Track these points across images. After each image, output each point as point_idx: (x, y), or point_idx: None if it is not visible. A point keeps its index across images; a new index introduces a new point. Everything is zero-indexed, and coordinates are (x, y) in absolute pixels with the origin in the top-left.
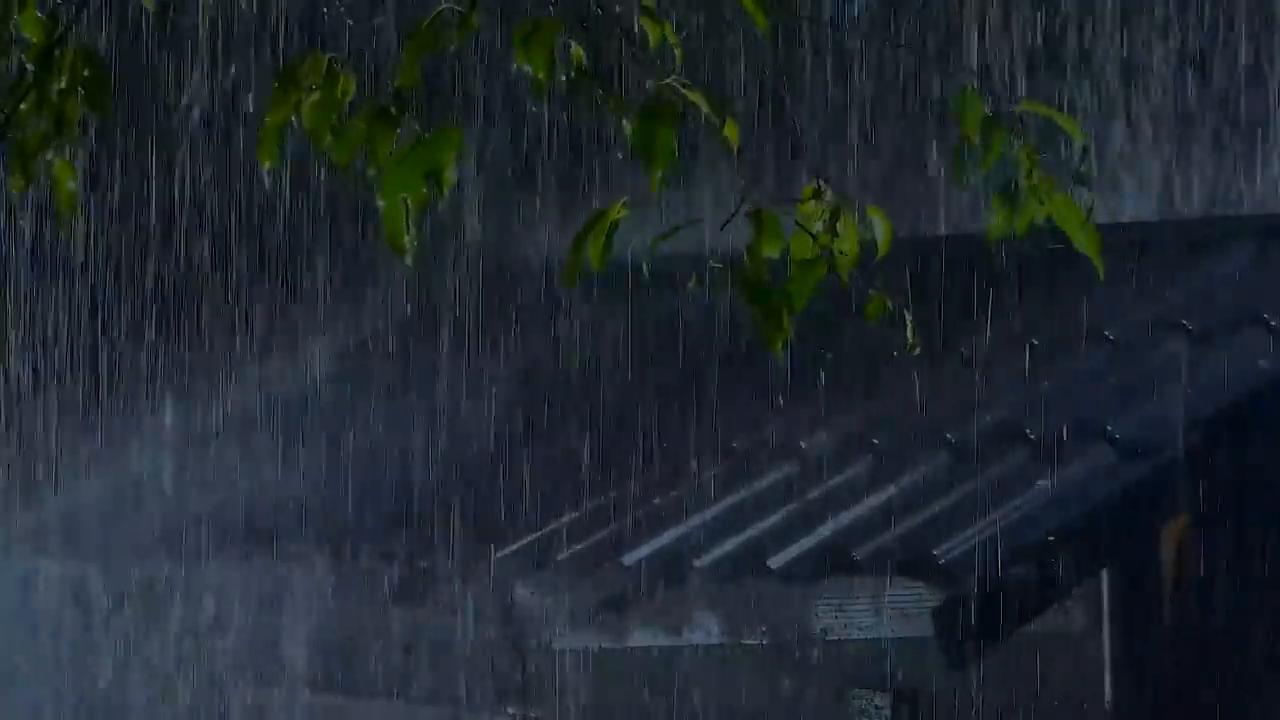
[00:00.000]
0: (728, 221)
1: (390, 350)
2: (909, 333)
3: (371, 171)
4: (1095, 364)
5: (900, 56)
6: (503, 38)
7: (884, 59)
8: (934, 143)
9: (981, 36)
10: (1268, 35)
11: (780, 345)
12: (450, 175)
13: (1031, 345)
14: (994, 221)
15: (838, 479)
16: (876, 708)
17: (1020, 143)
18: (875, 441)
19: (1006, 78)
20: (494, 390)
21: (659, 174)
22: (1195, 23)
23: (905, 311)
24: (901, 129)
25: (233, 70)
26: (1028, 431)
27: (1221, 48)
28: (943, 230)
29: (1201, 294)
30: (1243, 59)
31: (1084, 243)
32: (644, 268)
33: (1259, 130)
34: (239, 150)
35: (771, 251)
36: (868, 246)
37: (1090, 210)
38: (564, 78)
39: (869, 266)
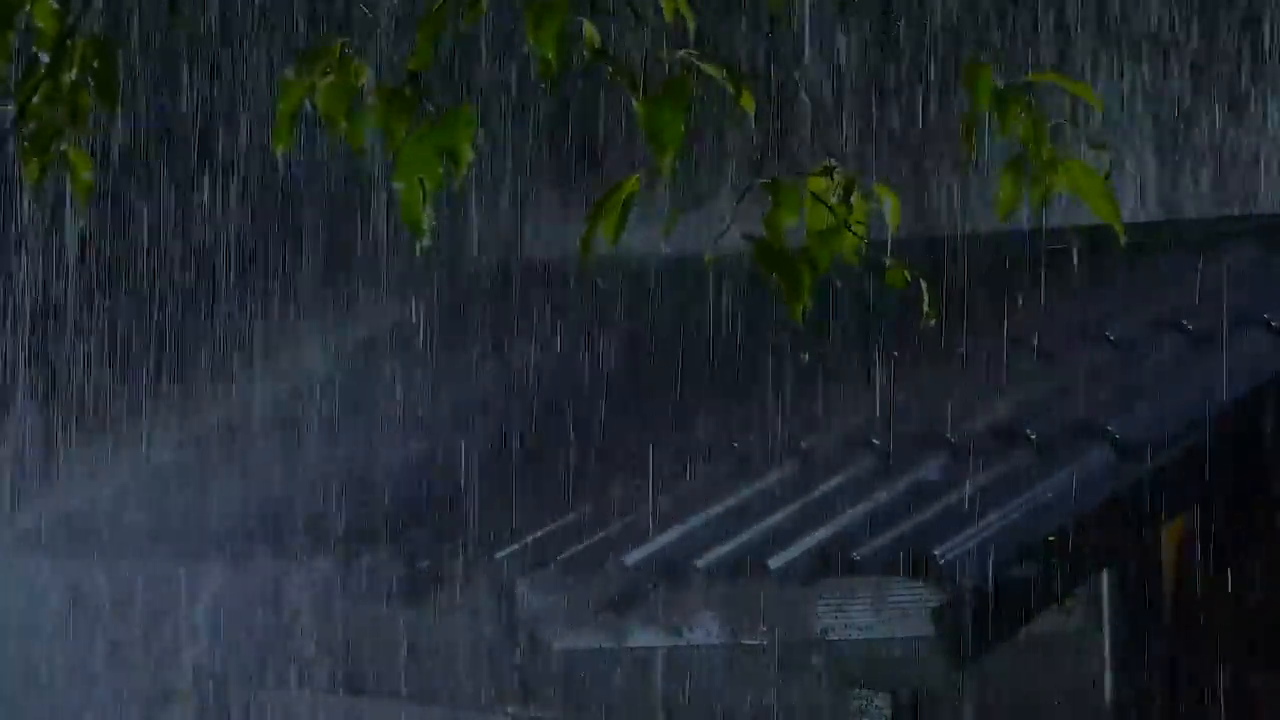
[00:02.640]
0: (744, 194)
1: (390, 348)
2: (926, 304)
3: (388, 153)
4: (1095, 364)
5: (904, 38)
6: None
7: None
8: (934, 142)
9: (975, 37)
10: (1268, 33)
11: (801, 313)
12: (466, 153)
13: (1031, 345)
14: (1002, 196)
15: (838, 479)
16: (876, 708)
17: (1026, 115)
18: (875, 441)
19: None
20: (493, 389)
21: (667, 160)
22: (1195, 22)
23: (922, 282)
24: (900, 127)
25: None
26: (1028, 431)
27: (1222, 46)
28: (942, 229)
29: (1201, 294)
30: (1243, 58)
31: (1102, 210)
32: (661, 241)
33: (1260, 129)
34: (240, 145)
35: (790, 220)
36: (877, 220)
37: (1108, 174)
38: (576, 58)
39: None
